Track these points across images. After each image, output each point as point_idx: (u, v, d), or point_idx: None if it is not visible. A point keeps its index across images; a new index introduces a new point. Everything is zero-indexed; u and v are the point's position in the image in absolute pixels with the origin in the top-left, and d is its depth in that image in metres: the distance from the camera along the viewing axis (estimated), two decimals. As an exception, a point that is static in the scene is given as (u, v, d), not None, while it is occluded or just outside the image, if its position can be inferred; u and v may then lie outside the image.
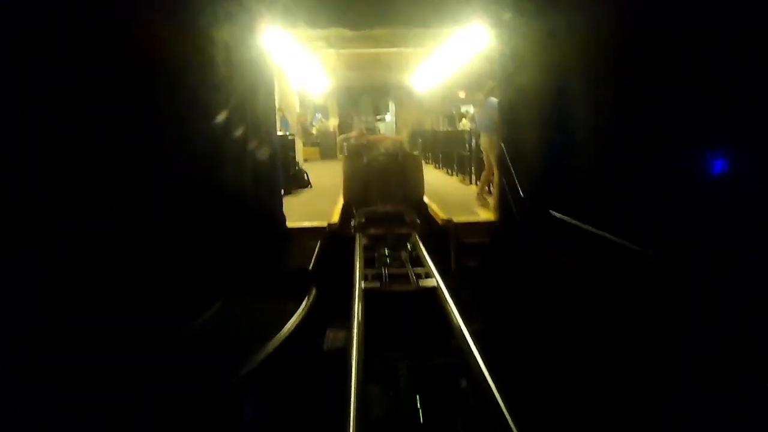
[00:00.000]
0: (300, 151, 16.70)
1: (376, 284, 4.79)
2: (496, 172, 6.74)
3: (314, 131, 20.27)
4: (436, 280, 4.82)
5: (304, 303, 4.26)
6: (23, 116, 1.93)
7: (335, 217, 6.50)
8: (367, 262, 5.64)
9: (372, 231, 6.71)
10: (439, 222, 6.49)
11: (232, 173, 4.74)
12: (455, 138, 11.95)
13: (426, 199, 7.78)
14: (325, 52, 14.22)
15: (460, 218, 6.23)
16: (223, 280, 4.05)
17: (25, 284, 1.90)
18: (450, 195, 8.63)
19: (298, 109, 18.14)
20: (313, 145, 18.92)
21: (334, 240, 6.21)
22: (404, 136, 15.31)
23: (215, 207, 4.10)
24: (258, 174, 5.26)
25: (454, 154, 11.87)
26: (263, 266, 4.73)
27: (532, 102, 5.10)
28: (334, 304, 4.76)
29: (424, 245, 6.26)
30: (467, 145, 10.40)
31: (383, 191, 7.47)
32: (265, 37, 5.37)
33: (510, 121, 5.65)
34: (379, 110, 24.82)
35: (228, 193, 4.52)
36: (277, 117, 14.57)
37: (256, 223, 5.10)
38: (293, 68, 14.37)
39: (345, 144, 8.73)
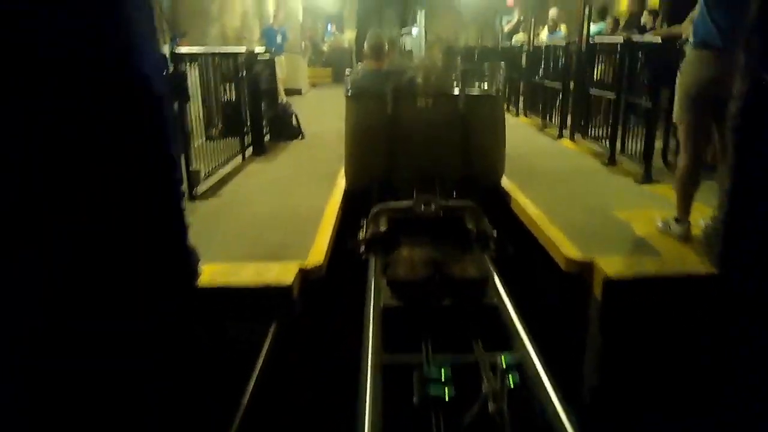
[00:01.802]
0: (304, 73, 12.97)
1: None
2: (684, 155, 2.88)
3: (326, 48, 16.53)
4: None
5: None
6: (23, 116, 1.76)
7: (318, 252, 2.80)
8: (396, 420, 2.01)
9: (401, 269, 2.99)
10: (561, 265, 2.78)
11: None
12: (524, 58, 7.98)
13: (506, 182, 3.99)
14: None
15: (613, 263, 2.51)
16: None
17: (25, 284, 1.78)
18: (540, 160, 4.84)
19: (301, 18, 14.08)
20: (324, 65, 15.19)
21: (312, 317, 2.58)
22: (436, 54, 11.09)
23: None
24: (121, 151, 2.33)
25: (520, 81, 8.02)
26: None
27: None
28: None
29: (521, 323, 2.56)
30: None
31: (424, 169, 3.73)
32: None
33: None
34: (406, 22, 20.96)
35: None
36: (258, 26, 10.75)
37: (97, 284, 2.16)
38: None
39: (348, 77, 4.55)
